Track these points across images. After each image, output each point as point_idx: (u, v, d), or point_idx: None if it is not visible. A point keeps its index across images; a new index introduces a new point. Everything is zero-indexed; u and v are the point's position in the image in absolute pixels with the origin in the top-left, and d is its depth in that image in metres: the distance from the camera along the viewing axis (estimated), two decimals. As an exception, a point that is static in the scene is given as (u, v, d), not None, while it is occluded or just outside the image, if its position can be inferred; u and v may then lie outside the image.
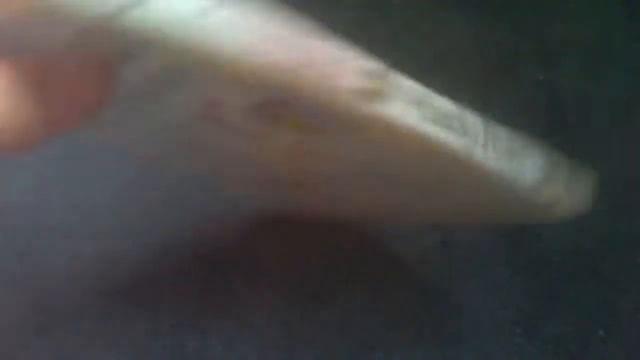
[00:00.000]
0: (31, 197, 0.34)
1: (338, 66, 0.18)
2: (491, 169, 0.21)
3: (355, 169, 0.24)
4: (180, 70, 0.19)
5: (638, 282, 0.32)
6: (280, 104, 0.20)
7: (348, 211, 0.31)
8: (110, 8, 0.16)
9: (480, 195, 0.24)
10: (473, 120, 0.21)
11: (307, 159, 0.24)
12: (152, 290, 0.31)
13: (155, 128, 0.25)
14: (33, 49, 0.19)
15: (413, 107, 0.19)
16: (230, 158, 0.27)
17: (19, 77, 0.19)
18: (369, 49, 0.18)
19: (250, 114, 0.21)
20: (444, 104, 0.20)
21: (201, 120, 0.23)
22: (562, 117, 0.35)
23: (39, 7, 0.16)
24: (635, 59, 0.36)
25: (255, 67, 0.17)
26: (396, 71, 0.19)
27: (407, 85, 0.19)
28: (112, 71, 0.20)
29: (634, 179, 0.34)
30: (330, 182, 0.27)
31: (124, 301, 0.31)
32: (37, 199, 0.34)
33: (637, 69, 0.36)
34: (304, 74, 0.18)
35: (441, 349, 0.30)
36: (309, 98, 0.18)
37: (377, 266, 0.32)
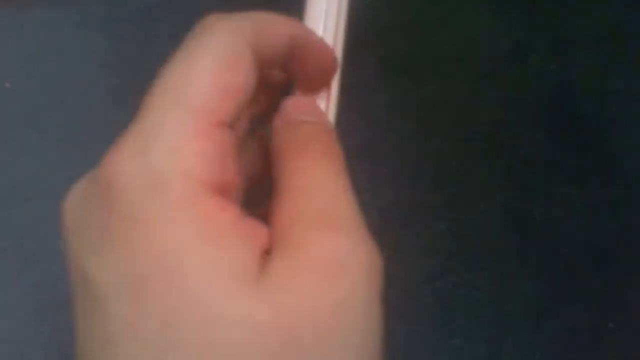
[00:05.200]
0: (34, 180, 0.33)
1: None
2: None
3: None
4: None
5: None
6: None
7: None
8: None
9: None
10: None
11: None
12: None
13: None
14: None
15: None
16: None
17: None
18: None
19: None
20: None
21: None
22: (575, 108, 0.35)
23: None
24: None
25: None
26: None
27: None
28: None
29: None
30: None
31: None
32: (40, 183, 0.33)
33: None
34: None
35: (450, 340, 0.30)
36: None
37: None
